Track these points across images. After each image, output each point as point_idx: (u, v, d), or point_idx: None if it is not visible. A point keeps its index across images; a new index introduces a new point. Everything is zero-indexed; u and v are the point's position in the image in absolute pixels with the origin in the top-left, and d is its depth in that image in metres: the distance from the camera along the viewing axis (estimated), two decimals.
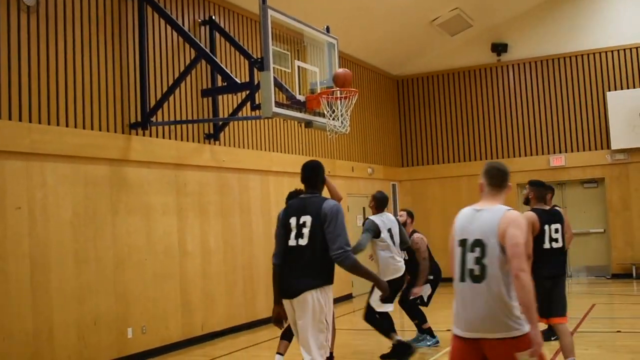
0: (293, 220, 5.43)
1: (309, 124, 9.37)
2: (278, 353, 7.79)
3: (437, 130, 18.55)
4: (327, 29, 10.08)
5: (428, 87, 18.73)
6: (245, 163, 11.82)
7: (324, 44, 10.09)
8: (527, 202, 7.26)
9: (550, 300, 6.79)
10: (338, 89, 9.23)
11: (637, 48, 16.66)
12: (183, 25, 10.49)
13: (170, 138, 10.24)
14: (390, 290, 6.46)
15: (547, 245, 6.93)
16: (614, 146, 16.43)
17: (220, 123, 11.12)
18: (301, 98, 9.28)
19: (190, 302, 10.28)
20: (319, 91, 9.46)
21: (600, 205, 16.69)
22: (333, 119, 9.12)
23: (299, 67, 9.51)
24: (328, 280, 5.34)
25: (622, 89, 16.67)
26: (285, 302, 5.45)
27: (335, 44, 10.18)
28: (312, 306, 5.23)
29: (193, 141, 10.70)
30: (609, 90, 16.74)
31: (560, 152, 17.21)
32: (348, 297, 14.97)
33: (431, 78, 18.70)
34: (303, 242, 5.33)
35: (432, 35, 17.11)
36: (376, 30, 15.50)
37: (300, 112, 9.21)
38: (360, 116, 15.94)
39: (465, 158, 18.11)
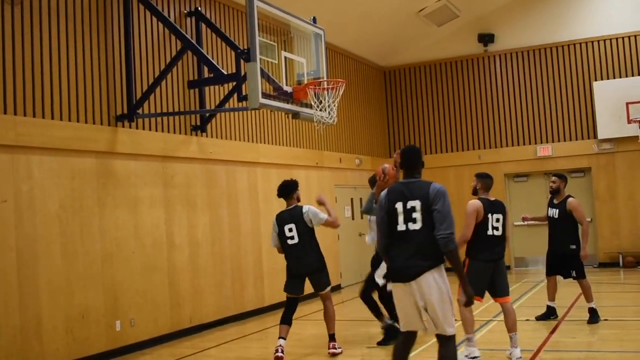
0: (399, 206, 5.51)
1: (296, 115, 9.37)
2: (280, 337, 8.14)
3: (424, 121, 18.58)
4: (314, 20, 10.09)
5: (415, 78, 18.75)
6: (232, 155, 11.80)
7: (310, 35, 10.09)
8: (475, 192, 7.84)
9: (494, 282, 7.49)
10: (325, 79, 9.22)
11: (623, 38, 16.74)
12: (169, 16, 10.44)
13: (157, 130, 10.20)
14: None
15: (490, 232, 7.56)
16: (600, 136, 16.52)
17: (207, 115, 11.09)
18: (288, 89, 9.27)
19: (179, 295, 10.27)
20: (305, 82, 9.46)
21: (587, 195, 16.78)
22: (320, 110, 9.13)
23: (285, 58, 9.50)
24: (442, 259, 5.45)
25: (608, 78, 16.76)
26: (400, 286, 5.50)
27: (322, 35, 10.19)
28: (435, 285, 5.37)
29: (180, 133, 10.67)
30: (596, 80, 16.82)
31: (547, 142, 17.29)
32: (337, 288, 15.00)
33: (418, 69, 18.72)
34: (415, 226, 5.44)
35: (419, 25, 17.12)
36: (363, 21, 15.49)
37: (287, 103, 9.20)
38: (347, 107, 15.94)
39: (453, 149, 18.16)
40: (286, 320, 8.31)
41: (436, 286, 5.37)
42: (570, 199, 9.61)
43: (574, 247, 9.49)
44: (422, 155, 5.84)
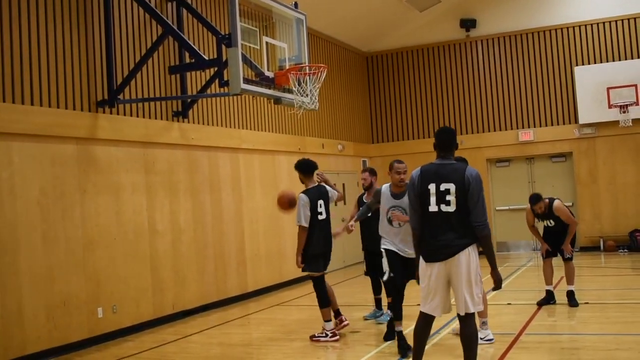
0: (432, 187, 5.58)
1: (277, 100, 9.35)
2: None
3: (407, 106, 18.61)
4: (296, 5, 10.05)
5: (397, 63, 18.76)
6: (214, 141, 11.77)
7: (292, 20, 10.06)
8: None
9: None
10: (307, 64, 9.19)
11: (604, 23, 16.82)
12: (149, 1, 10.36)
13: (138, 116, 10.15)
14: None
15: None
16: (581, 120, 16.63)
17: (189, 100, 11.05)
18: (270, 74, 9.25)
19: (161, 281, 10.26)
20: (287, 67, 9.44)
21: (569, 179, 16.92)
22: (302, 96, 9.12)
23: (267, 43, 9.47)
24: (475, 238, 5.53)
25: (589, 63, 16.85)
26: (432, 265, 5.60)
27: (303, 20, 10.16)
28: (467, 263, 5.49)
29: (161, 119, 10.62)
30: (577, 65, 16.91)
31: (528, 127, 17.38)
32: None
33: (401, 54, 18.72)
34: (449, 208, 5.50)
35: (401, 11, 17.11)
36: (345, 6, 15.45)
37: (269, 88, 9.17)
38: (330, 93, 15.93)
39: (457, 133, 18.14)
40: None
41: (470, 264, 5.50)
42: (554, 204, 9.49)
43: None
44: (456, 136, 5.89)
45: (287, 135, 14.25)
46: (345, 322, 8.67)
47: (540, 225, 9.86)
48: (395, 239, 7.70)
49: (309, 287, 13.48)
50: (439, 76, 18.31)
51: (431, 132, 18.19)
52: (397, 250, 7.66)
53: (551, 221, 9.60)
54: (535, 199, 9.56)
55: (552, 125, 17.19)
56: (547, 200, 9.55)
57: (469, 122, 17.97)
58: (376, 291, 9.61)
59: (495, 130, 17.70)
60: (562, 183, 17.06)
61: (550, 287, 9.80)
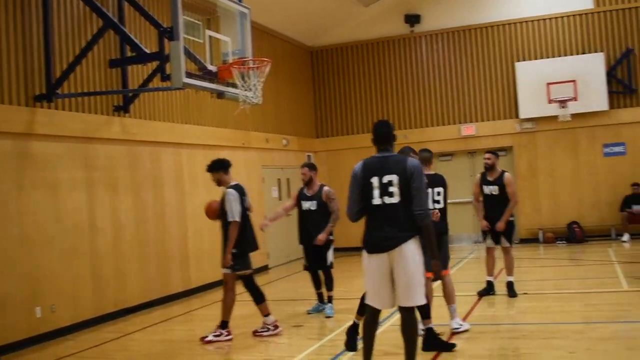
0: (375, 180, 5.64)
1: (221, 94, 9.30)
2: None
3: (351, 101, 18.70)
4: None
5: (342, 58, 18.83)
6: (157, 136, 11.63)
7: (236, 14, 10.00)
8: None
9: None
10: (250, 59, 9.15)
11: (544, 20, 17.19)
12: None
13: (77, 111, 9.95)
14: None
15: (430, 206, 7.64)
16: (522, 115, 16.99)
17: (130, 95, 10.89)
18: (213, 68, 9.20)
19: (102, 279, 10.10)
20: (231, 61, 9.39)
21: (510, 173, 17.21)
22: (246, 90, 9.08)
23: (210, 37, 9.40)
24: (417, 231, 5.62)
25: (530, 59, 17.21)
26: (376, 257, 5.62)
27: (247, 14, 10.11)
28: (410, 256, 5.55)
29: (102, 114, 10.44)
30: (518, 61, 17.25)
31: (471, 121, 17.67)
32: (264, 269, 15.04)
33: (345, 49, 18.80)
34: (393, 200, 5.58)
35: (346, 5, 17.18)
36: (290, 1, 15.43)
37: (212, 82, 9.12)
38: (274, 87, 15.89)
39: (395, 127, 18.29)
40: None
41: (412, 257, 5.56)
42: (506, 174, 9.92)
43: (512, 218, 9.87)
44: (394, 129, 5.96)
45: (231, 130, 14.17)
46: (232, 337, 8.37)
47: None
48: None
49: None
50: (384, 71, 18.45)
51: None
52: None
53: (496, 189, 9.80)
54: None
55: (493, 120, 17.51)
56: (500, 169, 9.98)
57: (413, 117, 18.16)
58: (317, 285, 9.63)
59: (438, 125, 17.93)
60: None
61: (491, 278, 10.01)
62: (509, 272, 9.83)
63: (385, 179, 5.61)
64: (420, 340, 6.81)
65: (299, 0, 15.66)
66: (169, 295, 11.62)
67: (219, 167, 8.44)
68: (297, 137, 17.51)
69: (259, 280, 13.70)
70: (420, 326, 7.59)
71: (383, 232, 5.60)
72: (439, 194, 7.80)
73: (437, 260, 5.76)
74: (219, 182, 8.44)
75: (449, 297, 7.85)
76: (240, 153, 14.44)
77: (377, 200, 5.63)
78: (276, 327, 8.41)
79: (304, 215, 9.38)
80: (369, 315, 5.84)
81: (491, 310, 9.17)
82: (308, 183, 9.39)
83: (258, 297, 8.43)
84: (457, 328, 7.75)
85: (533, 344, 7.11)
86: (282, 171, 16.38)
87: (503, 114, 17.45)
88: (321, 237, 9.16)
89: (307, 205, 9.36)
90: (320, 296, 9.66)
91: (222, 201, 8.30)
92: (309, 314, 9.54)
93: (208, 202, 8.64)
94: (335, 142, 18.59)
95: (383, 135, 5.85)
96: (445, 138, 17.64)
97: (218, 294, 12.15)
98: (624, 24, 16.71)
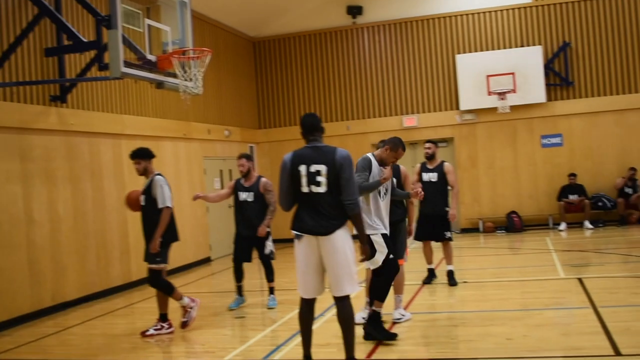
0: (303, 168, 5.70)
1: (160, 84, 9.20)
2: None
3: (294, 92, 18.70)
4: None
5: (285, 49, 18.79)
6: (95, 126, 11.43)
7: (176, 3, 9.89)
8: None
9: (394, 244, 7.59)
10: (190, 48, 9.07)
11: (484, 13, 17.48)
12: None
13: (12, 100, 9.71)
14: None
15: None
16: (462, 107, 17.25)
17: (68, 84, 10.67)
18: (152, 58, 9.09)
19: (39, 273, 9.90)
20: (170, 51, 9.29)
21: (450, 164, 17.46)
22: (186, 80, 9.01)
23: (149, 26, 9.28)
24: (346, 219, 5.71)
25: (470, 52, 17.47)
26: (306, 247, 5.71)
27: (187, 3, 10.01)
28: (340, 244, 5.64)
29: (38, 103, 10.21)
30: (458, 53, 17.50)
31: (412, 113, 17.86)
32: (206, 261, 14.96)
33: (288, 40, 18.77)
34: (320, 189, 5.65)
35: None
36: None
37: (151, 72, 9.01)
38: (216, 78, 15.78)
39: (323, 119, 18.21)
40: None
41: (342, 246, 5.65)
42: (446, 163, 10.13)
43: (448, 209, 9.99)
44: (321, 121, 6.00)
45: (172, 120, 14.02)
46: (173, 329, 8.27)
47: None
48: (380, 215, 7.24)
49: (194, 274, 13.41)
50: (326, 62, 18.49)
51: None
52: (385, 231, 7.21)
53: (435, 176, 9.98)
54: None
55: (435, 111, 17.74)
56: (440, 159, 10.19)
57: (355, 108, 18.26)
58: (238, 278, 9.45)
59: (380, 116, 18.07)
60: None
61: (431, 266, 10.23)
62: (449, 260, 10.01)
63: (313, 168, 5.68)
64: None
65: None
66: (110, 289, 11.45)
67: (147, 155, 8.14)
68: (240, 128, 17.43)
69: (202, 272, 13.72)
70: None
71: (311, 220, 5.67)
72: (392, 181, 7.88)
73: (365, 246, 5.86)
74: (144, 171, 8.14)
75: (397, 287, 7.94)
76: (181, 144, 14.31)
77: (305, 189, 5.70)
78: (193, 300, 8.40)
79: (241, 206, 9.28)
80: (302, 305, 5.89)
81: (431, 298, 9.32)
82: (246, 174, 9.32)
83: (169, 289, 8.14)
84: (399, 318, 7.84)
85: (471, 331, 7.25)
86: (224, 162, 16.29)
87: (444, 105, 17.70)
88: (261, 229, 9.10)
89: (244, 196, 9.25)
90: (239, 289, 9.49)
91: (147, 190, 8.05)
92: (231, 309, 9.34)
93: (127, 193, 8.45)
94: (278, 133, 18.58)
95: (311, 125, 5.90)
96: (387, 129, 17.72)
97: None
98: (562, 17, 17.10)
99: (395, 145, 7.20)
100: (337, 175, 5.63)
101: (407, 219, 8.37)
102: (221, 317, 8.99)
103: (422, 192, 7.39)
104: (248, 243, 9.29)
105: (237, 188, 9.39)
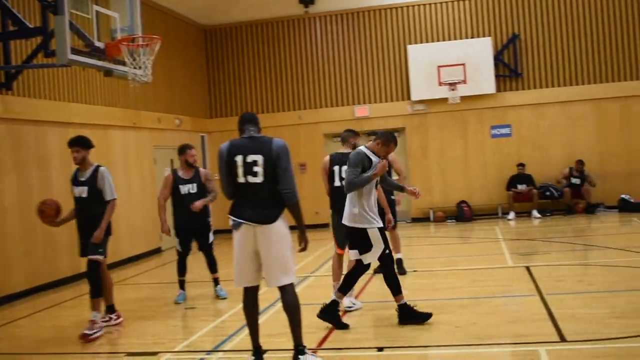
0: (239, 159, 5.69)
1: (109, 72, 9.06)
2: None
3: (246, 81, 18.59)
4: None
5: (237, 38, 18.65)
6: (42, 115, 11.19)
7: None
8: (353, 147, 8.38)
9: (340, 234, 7.86)
10: (140, 36, 8.94)
11: (436, 4, 17.62)
12: None
13: None
14: None
15: (336, 184, 8.09)
16: (414, 97, 17.38)
17: (13, 71, 10.40)
18: (100, 45, 8.94)
19: None
20: (119, 38, 9.15)
21: (401, 154, 17.58)
22: (135, 68, 8.89)
23: (97, 12, 9.12)
24: (283, 209, 5.75)
25: (422, 42, 17.60)
26: (243, 231, 5.70)
27: None
28: (276, 234, 5.68)
29: None
30: (410, 44, 17.61)
31: (364, 103, 17.93)
32: (157, 251, 14.82)
33: (240, 28, 18.63)
34: (256, 179, 5.67)
35: None
36: None
37: (100, 59, 8.86)
38: (166, 66, 15.59)
39: (274, 109, 18.37)
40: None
41: (278, 237, 5.68)
42: (391, 154, 9.80)
43: (394, 197, 10.07)
44: (259, 122, 6.01)
45: (122, 109, 13.81)
46: (122, 319, 8.16)
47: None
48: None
49: (145, 265, 13.29)
50: (278, 51, 18.43)
51: (270, 107, 18.35)
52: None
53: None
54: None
55: (386, 101, 17.84)
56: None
57: (307, 98, 18.25)
58: (182, 272, 9.31)
59: (332, 106, 18.10)
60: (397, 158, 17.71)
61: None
62: (396, 249, 10.04)
63: (250, 158, 5.69)
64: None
65: None
66: (58, 280, 11.26)
67: (87, 145, 7.77)
68: (191, 117, 17.27)
69: (152, 262, 13.57)
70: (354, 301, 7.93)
71: (249, 209, 5.69)
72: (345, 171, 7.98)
73: (304, 235, 5.89)
74: (82, 161, 7.75)
75: (336, 275, 8.10)
76: (131, 133, 14.12)
77: (241, 179, 5.71)
78: (111, 319, 8.10)
79: (184, 199, 9.06)
80: (245, 296, 5.91)
81: (382, 287, 9.24)
82: (192, 165, 9.18)
83: (100, 290, 7.81)
84: (350, 307, 7.90)
85: None
86: (174, 151, 16.06)
87: (395, 95, 17.81)
88: (198, 203, 8.88)
89: (187, 188, 9.07)
90: (182, 283, 9.34)
91: (91, 182, 7.68)
92: (176, 304, 9.17)
93: (40, 203, 7.95)
94: (229, 122, 18.42)
95: (248, 117, 5.95)
96: (339, 119, 17.80)
97: None
98: (511, 10, 17.35)
99: (387, 140, 7.30)
100: (274, 165, 5.66)
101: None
102: (171, 308, 8.92)
103: (420, 193, 7.54)
104: (190, 236, 9.20)
105: (176, 182, 9.14)
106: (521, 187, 16.89)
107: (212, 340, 7.10)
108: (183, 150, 9.22)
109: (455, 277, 9.82)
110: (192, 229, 9.12)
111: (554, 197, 16.85)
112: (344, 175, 7.80)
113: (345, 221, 7.26)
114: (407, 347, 6.42)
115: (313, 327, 7.03)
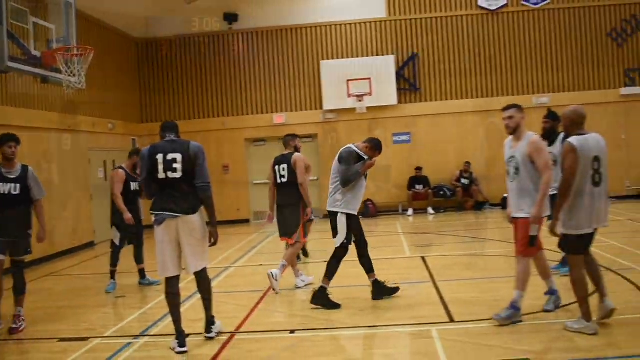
0: (160, 157, 5.82)
1: (45, 79, 8.77)
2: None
3: (174, 90, 18.29)
4: None
5: (167, 50, 18.30)
6: None
7: (62, 3, 9.44)
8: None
9: (278, 223, 8.35)
10: (74, 46, 8.69)
11: (346, 24, 17.82)
12: None
13: None
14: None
15: (278, 181, 8.42)
16: (325, 107, 17.53)
17: None
18: (37, 54, 8.64)
19: None
20: (55, 48, 8.86)
21: (315, 157, 17.73)
22: (69, 75, 8.63)
23: (34, 23, 8.81)
24: (199, 203, 5.92)
25: (333, 58, 17.77)
26: (164, 228, 5.79)
27: (72, 3, 9.60)
28: (195, 226, 5.84)
29: None
30: (323, 59, 17.74)
31: (282, 111, 17.95)
32: (91, 245, 14.42)
33: (169, 41, 18.29)
34: (176, 175, 5.79)
35: (171, 2, 16.75)
36: None
37: (36, 67, 8.56)
38: (101, 74, 15.15)
39: (200, 115, 18.17)
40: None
41: (196, 228, 5.86)
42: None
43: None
44: (179, 129, 6.22)
45: (58, 113, 13.35)
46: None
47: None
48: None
49: (78, 257, 12.90)
50: (205, 63, 18.22)
51: (197, 114, 18.14)
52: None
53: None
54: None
55: (301, 110, 17.91)
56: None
57: (231, 106, 18.13)
58: (115, 263, 9.08)
59: (253, 114, 18.04)
60: (310, 160, 17.74)
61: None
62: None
63: (170, 156, 5.83)
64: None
65: None
66: None
67: (19, 142, 7.11)
68: (123, 121, 16.85)
69: (86, 255, 13.19)
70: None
71: (171, 203, 5.80)
72: (284, 169, 8.39)
73: (215, 230, 5.96)
74: (14, 156, 7.01)
75: (293, 262, 8.56)
76: (67, 136, 13.68)
77: (162, 175, 5.82)
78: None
79: (133, 195, 8.98)
80: (167, 285, 5.96)
81: (314, 274, 9.19)
82: (135, 167, 8.93)
83: (24, 288, 7.35)
84: (299, 285, 8.37)
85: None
86: (108, 153, 15.71)
87: (310, 105, 17.91)
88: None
89: (136, 185, 8.95)
90: (113, 273, 9.09)
91: (22, 179, 7.03)
92: (107, 293, 8.92)
93: None
94: (159, 127, 18.02)
95: (168, 125, 6.16)
96: (259, 125, 17.79)
97: (45, 269, 11.52)
98: (412, 31, 17.73)
99: (374, 147, 7.63)
100: (192, 162, 5.81)
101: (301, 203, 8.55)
102: (103, 297, 8.71)
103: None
104: (133, 231, 9.03)
105: (129, 179, 8.96)
106: (419, 188, 17.27)
107: (140, 326, 6.97)
108: (132, 156, 9.06)
109: (360, 267, 9.84)
110: (136, 225, 8.95)
111: (447, 196, 17.31)
112: (282, 173, 8.39)
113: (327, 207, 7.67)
114: (317, 330, 6.47)
115: (230, 313, 7.01)
